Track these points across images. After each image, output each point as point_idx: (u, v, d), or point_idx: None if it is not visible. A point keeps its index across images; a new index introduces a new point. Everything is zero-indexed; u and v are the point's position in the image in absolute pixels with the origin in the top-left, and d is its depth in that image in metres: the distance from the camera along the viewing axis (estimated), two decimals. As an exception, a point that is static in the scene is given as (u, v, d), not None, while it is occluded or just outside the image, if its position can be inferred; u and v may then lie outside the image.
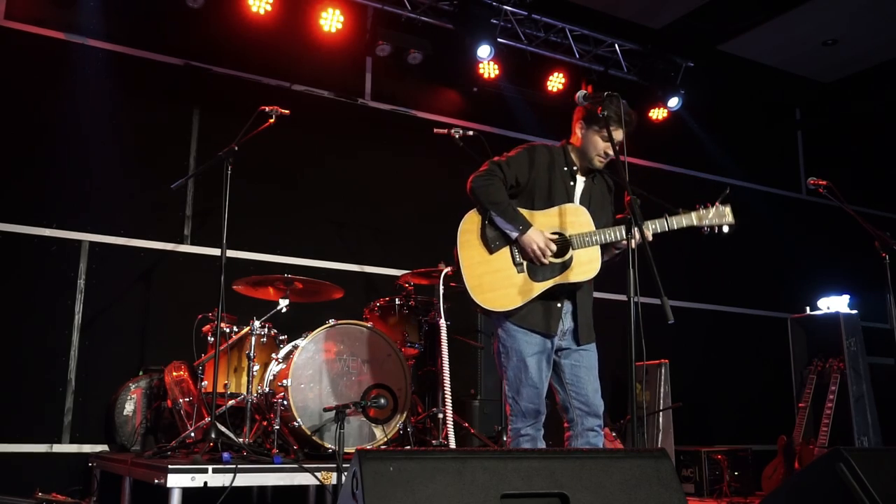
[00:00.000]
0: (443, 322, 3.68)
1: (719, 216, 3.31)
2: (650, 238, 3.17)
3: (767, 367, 7.35)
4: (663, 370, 6.14)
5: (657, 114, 7.28)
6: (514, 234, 3.17)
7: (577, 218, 3.23)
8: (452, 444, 3.62)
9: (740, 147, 8.06)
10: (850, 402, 6.14)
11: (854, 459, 2.41)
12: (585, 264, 3.19)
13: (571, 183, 3.32)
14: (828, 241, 8.09)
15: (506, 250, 3.21)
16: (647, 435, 5.88)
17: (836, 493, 2.40)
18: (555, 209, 3.25)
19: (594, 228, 3.21)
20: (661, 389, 6.11)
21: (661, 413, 6.02)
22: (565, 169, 3.33)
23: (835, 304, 6.60)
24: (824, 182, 4.63)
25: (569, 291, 3.25)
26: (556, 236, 3.20)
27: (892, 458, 2.54)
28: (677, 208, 3.30)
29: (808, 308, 6.81)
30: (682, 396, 6.13)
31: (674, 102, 7.14)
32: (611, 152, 3.25)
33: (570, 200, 3.28)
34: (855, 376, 6.24)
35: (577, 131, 3.34)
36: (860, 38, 7.29)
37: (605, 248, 3.28)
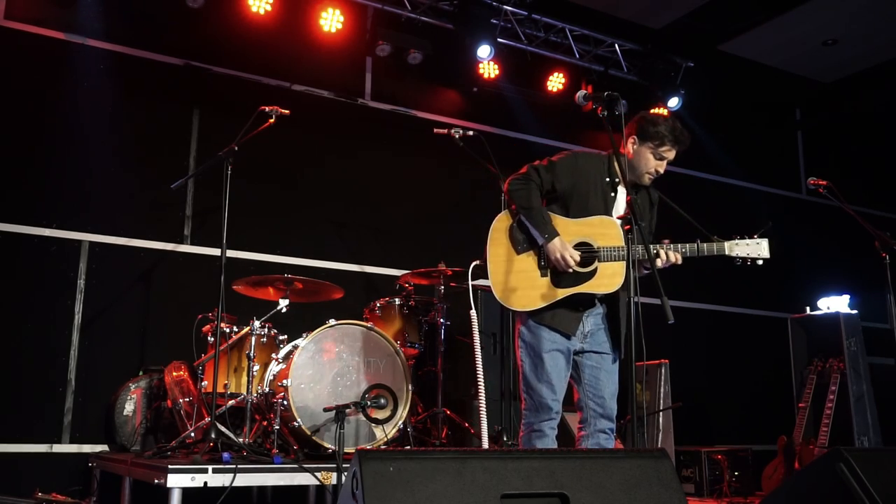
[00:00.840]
0: (473, 312, 3.64)
1: (754, 249, 3.30)
2: (679, 261, 3.20)
3: (767, 367, 7.34)
4: (663, 370, 6.14)
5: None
6: (541, 241, 3.22)
7: (608, 230, 3.24)
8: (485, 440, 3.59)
9: (740, 147, 8.06)
10: (850, 402, 6.14)
11: (854, 459, 2.41)
12: (608, 277, 3.21)
13: (612, 195, 3.32)
14: (828, 241, 8.09)
15: (532, 253, 3.28)
16: (647, 435, 5.88)
17: (836, 493, 2.40)
18: (588, 219, 3.27)
19: (623, 244, 3.19)
20: (661, 389, 6.11)
21: (661, 413, 6.02)
22: (607, 180, 3.33)
23: (835, 304, 6.60)
24: (824, 182, 4.63)
25: (589, 299, 3.27)
26: (584, 246, 3.22)
27: (892, 458, 2.54)
28: (712, 234, 3.29)
29: (808, 308, 6.81)
30: (682, 396, 6.13)
31: (674, 102, 7.14)
32: (661, 170, 3.31)
33: (608, 212, 3.29)
34: (855, 376, 6.24)
35: (630, 145, 3.34)
36: (860, 38, 7.29)
37: (635, 264, 3.26)
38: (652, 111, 3.30)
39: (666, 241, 3.25)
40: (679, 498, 2.13)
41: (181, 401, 4.43)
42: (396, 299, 4.85)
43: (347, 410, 3.60)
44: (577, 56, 6.92)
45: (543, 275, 3.25)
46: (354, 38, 6.19)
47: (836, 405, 5.85)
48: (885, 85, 7.96)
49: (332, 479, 3.62)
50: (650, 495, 2.10)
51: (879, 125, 8.55)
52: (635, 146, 3.33)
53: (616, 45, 6.97)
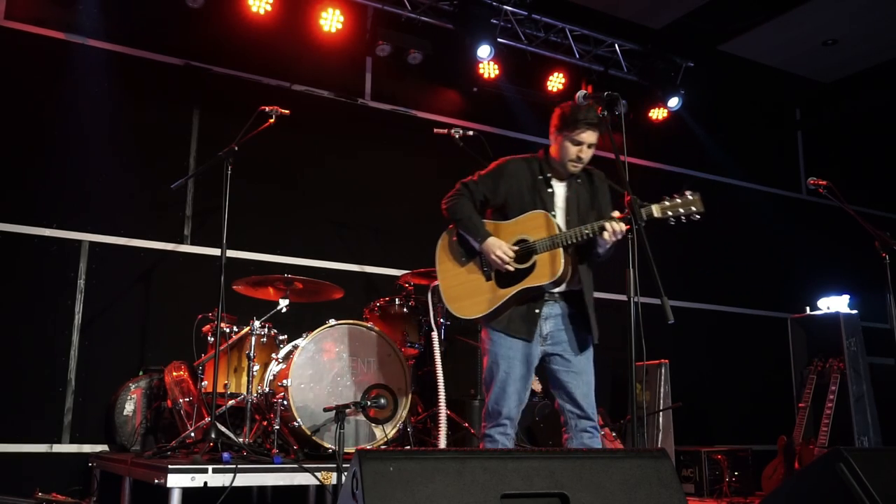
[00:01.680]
0: (435, 334, 3.84)
1: (686, 205, 3.24)
2: (623, 229, 3.14)
3: (767, 367, 7.34)
4: (663, 370, 6.14)
5: (657, 114, 7.27)
6: (477, 246, 3.30)
7: (542, 223, 3.28)
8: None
9: (740, 147, 8.06)
10: (850, 402, 6.14)
11: (854, 459, 2.41)
12: (548, 266, 3.23)
13: (549, 190, 3.37)
14: (828, 241, 8.09)
15: (475, 262, 3.36)
16: (647, 435, 5.88)
17: (836, 493, 2.40)
18: (521, 217, 3.33)
19: (558, 232, 3.24)
20: (661, 389, 6.11)
21: (661, 413, 6.02)
22: (540, 178, 3.38)
23: (835, 304, 6.60)
24: (824, 182, 4.63)
25: (538, 295, 3.29)
26: (521, 243, 3.27)
27: (892, 458, 2.54)
28: (644, 201, 3.24)
29: (808, 308, 6.81)
30: (682, 396, 6.13)
31: (674, 102, 7.13)
32: (584, 156, 3.31)
33: (546, 208, 3.31)
34: (855, 376, 6.24)
35: (552, 139, 3.39)
36: (860, 38, 7.29)
37: (585, 249, 3.30)
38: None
39: (616, 213, 3.22)
40: (679, 498, 2.13)
41: (181, 401, 4.43)
42: (396, 299, 4.85)
43: (347, 410, 3.60)
44: (577, 56, 6.92)
45: (488, 279, 3.32)
46: (354, 38, 6.19)
47: (836, 405, 5.85)
48: (885, 85, 7.96)
49: (332, 479, 3.62)
50: (650, 495, 2.10)
51: (879, 125, 8.54)
52: (555, 138, 3.37)
53: (616, 45, 6.97)
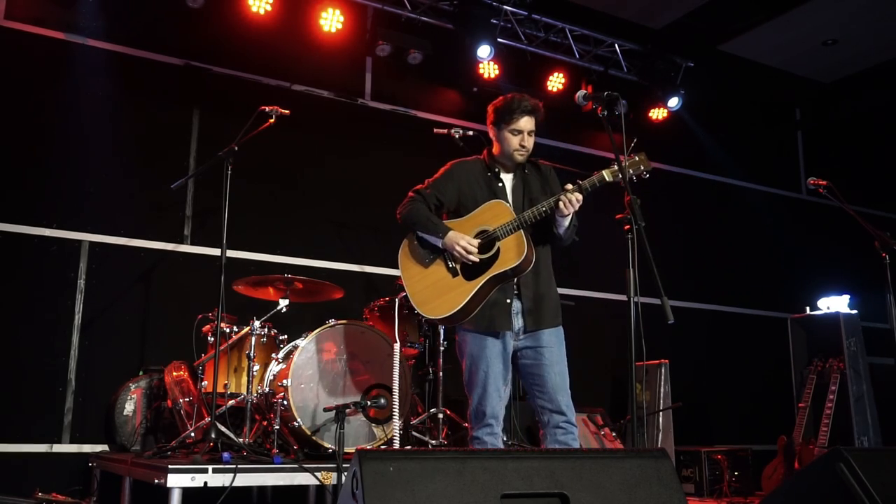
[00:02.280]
0: (397, 346, 3.91)
1: (635, 165, 3.32)
2: (579, 199, 3.21)
3: (767, 367, 7.34)
4: (663, 370, 6.14)
5: (657, 114, 7.27)
6: (439, 242, 3.31)
7: (497, 210, 3.33)
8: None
9: (740, 147, 8.06)
10: (850, 402, 6.14)
11: (854, 459, 2.41)
12: (513, 249, 3.26)
13: (500, 184, 3.43)
14: (828, 241, 8.09)
15: (439, 261, 3.36)
16: (647, 435, 5.88)
17: (836, 493, 2.40)
18: (477, 210, 3.37)
19: (514, 216, 3.28)
20: (661, 389, 6.11)
21: (661, 413, 6.02)
22: (488, 174, 3.44)
23: (835, 304, 6.60)
24: (824, 182, 4.63)
25: (507, 286, 3.30)
26: (481, 234, 3.30)
27: (892, 458, 2.54)
28: (589, 173, 3.32)
29: (808, 308, 6.81)
30: (682, 396, 6.13)
31: (674, 102, 7.13)
32: (527, 144, 3.37)
33: (497, 198, 3.37)
34: (855, 376, 6.24)
35: (491, 136, 3.45)
36: (860, 38, 7.29)
37: (546, 230, 3.35)
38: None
39: (567, 185, 3.29)
40: (679, 498, 2.13)
41: (181, 401, 4.43)
42: (396, 299, 4.84)
43: (347, 410, 3.59)
44: (577, 56, 6.92)
45: (454, 275, 3.32)
46: (354, 38, 6.19)
47: (836, 405, 5.85)
48: (885, 85, 7.96)
49: (332, 479, 3.62)
50: (650, 495, 2.10)
51: (879, 125, 8.54)
52: (494, 134, 3.43)
53: (616, 45, 6.97)
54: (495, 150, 3.46)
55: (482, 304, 3.27)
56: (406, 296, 3.42)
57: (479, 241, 3.28)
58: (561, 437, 3.24)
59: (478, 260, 3.26)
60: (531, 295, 3.32)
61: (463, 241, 3.26)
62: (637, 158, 3.32)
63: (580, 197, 3.24)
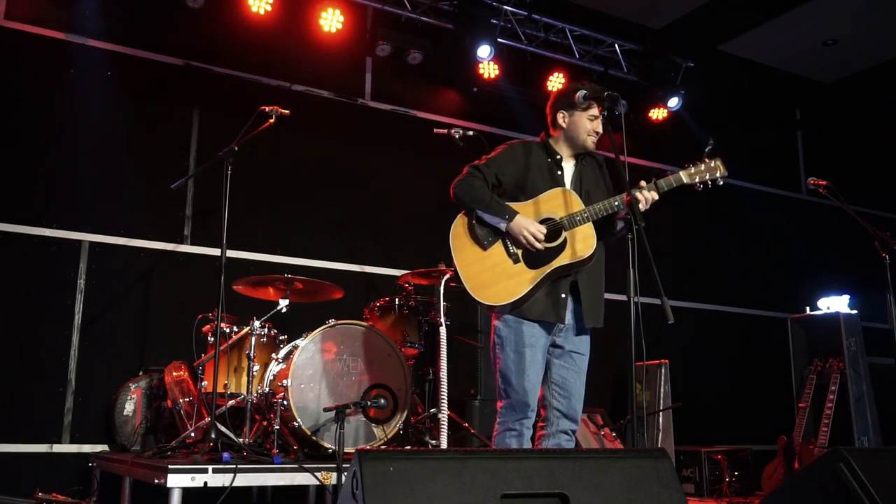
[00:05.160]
0: (443, 325, 3.71)
1: (711, 170, 3.30)
2: (656, 197, 3.16)
3: (767, 367, 7.35)
4: (663, 370, 6.14)
5: (657, 114, 7.27)
6: (503, 225, 3.17)
7: (564, 200, 3.22)
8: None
9: (740, 147, 8.06)
10: (850, 402, 6.14)
11: (854, 459, 2.41)
12: (581, 242, 3.15)
13: (559, 172, 3.34)
14: (828, 241, 8.09)
15: (499, 244, 3.21)
16: (647, 435, 5.88)
17: (836, 493, 2.40)
18: (542, 196, 3.25)
19: (584, 207, 3.19)
20: (661, 389, 6.11)
21: (661, 413, 6.02)
22: (549, 160, 3.35)
23: (835, 304, 6.60)
24: (824, 182, 4.63)
25: (571, 280, 3.22)
26: (547, 222, 3.19)
27: (892, 458, 2.54)
28: (665, 173, 3.29)
29: (808, 308, 6.81)
30: (682, 396, 6.13)
31: (674, 102, 7.13)
32: (599, 129, 3.33)
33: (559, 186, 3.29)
34: (855, 376, 6.24)
35: (560, 121, 3.35)
36: (860, 38, 7.29)
37: (605, 225, 3.25)
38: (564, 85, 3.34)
39: (642, 182, 3.22)
40: (679, 498, 2.13)
41: (181, 401, 4.43)
42: (396, 299, 4.84)
43: (347, 410, 3.59)
44: (577, 56, 6.92)
45: (516, 261, 3.17)
46: (354, 38, 6.19)
47: (836, 405, 5.86)
48: (885, 85, 7.96)
49: (332, 479, 3.62)
50: (650, 495, 2.10)
51: (879, 125, 8.54)
52: (566, 118, 3.34)
53: (616, 45, 6.97)
54: (557, 134, 3.38)
55: (536, 295, 3.16)
56: (448, 279, 3.33)
57: (545, 227, 3.17)
58: (564, 443, 3.23)
59: (543, 248, 3.16)
60: (587, 290, 3.24)
61: (533, 226, 3.12)
62: (713, 164, 3.28)
63: (656, 196, 3.15)
